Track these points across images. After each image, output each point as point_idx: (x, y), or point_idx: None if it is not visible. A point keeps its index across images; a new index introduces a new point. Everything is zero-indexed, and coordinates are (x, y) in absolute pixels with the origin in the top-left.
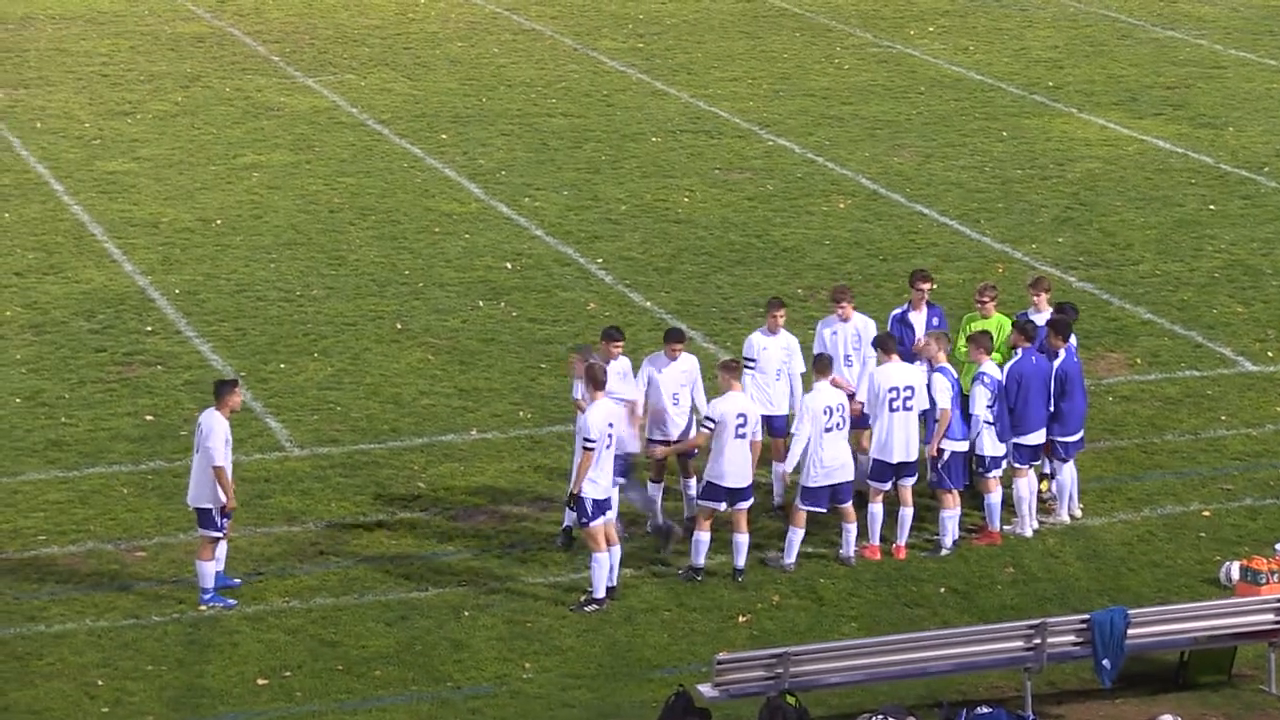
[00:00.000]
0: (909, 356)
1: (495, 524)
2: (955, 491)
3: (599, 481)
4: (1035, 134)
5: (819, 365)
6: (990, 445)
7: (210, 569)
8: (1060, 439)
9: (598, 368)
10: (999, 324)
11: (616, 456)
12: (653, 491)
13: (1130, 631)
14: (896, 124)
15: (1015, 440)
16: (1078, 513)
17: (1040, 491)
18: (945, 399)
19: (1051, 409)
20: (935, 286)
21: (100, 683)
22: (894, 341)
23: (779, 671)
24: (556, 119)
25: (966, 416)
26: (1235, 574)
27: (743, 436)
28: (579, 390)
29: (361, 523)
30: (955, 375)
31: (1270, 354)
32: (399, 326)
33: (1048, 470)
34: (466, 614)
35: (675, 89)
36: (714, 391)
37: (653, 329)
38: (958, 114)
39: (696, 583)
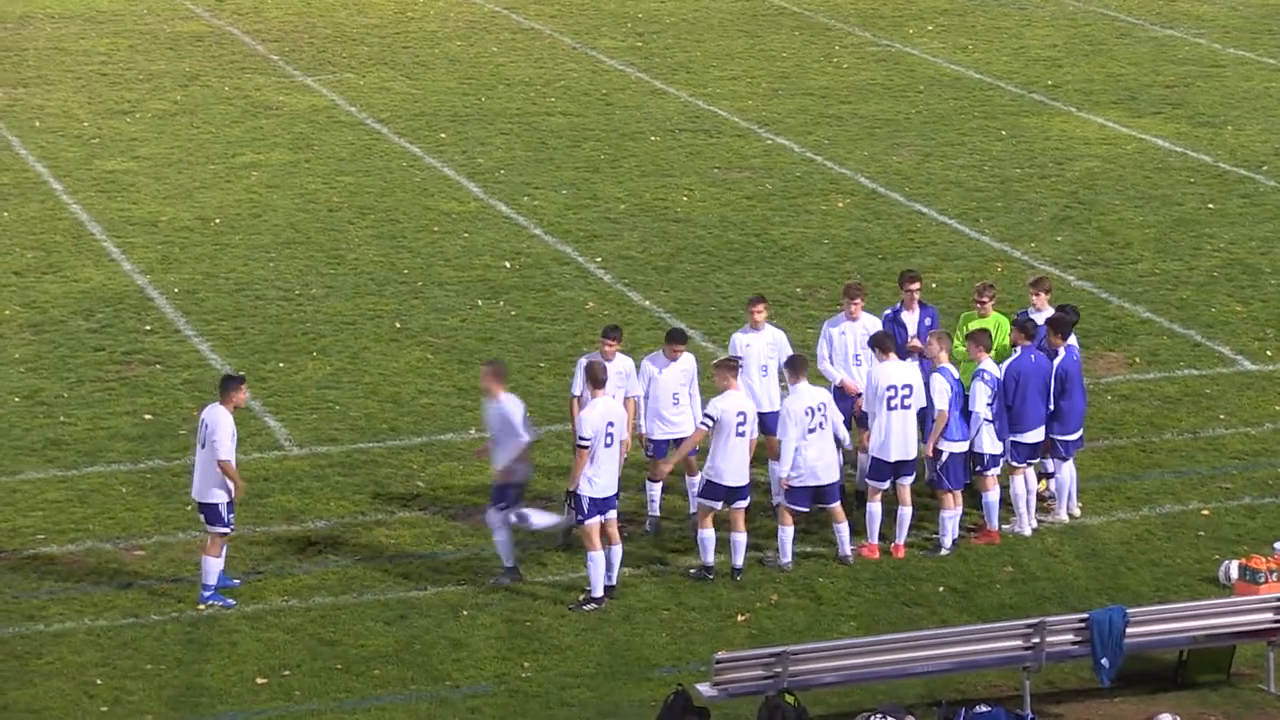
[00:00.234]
0: (902, 355)
1: None
2: (956, 492)
3: (596, 480)
4: (1034, 133)
5: (793, 366)
6: (989, 443)
7: (216, 566)
8: (1060, 438)
9: (598, 365)
10: (996, 323)
11: (509, 486)
12: (652, 491)
13: (1129, 630)
14: (895, 123)
15: (1013, 438)
16: (1076, 512)
17: (1039, 490)
18: (943, 400)
19: (1051, 408)
20: (922, 286)
21: (99, 682)
22: (892, 340)
23: (778, 670)
24: (555, 118)
25: (966, 415)
26: (1234, 573)
27: (743, 435)
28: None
29: (360, 522)
30: (957, 376)
31: (1269, 353)
32: (398, 325)
33: (1047, 469)
34: (465, 613)
35: (674, 88)
36: (710, 391)
37: (651, 328)
38: (956, 113)
39: (708, 581)
